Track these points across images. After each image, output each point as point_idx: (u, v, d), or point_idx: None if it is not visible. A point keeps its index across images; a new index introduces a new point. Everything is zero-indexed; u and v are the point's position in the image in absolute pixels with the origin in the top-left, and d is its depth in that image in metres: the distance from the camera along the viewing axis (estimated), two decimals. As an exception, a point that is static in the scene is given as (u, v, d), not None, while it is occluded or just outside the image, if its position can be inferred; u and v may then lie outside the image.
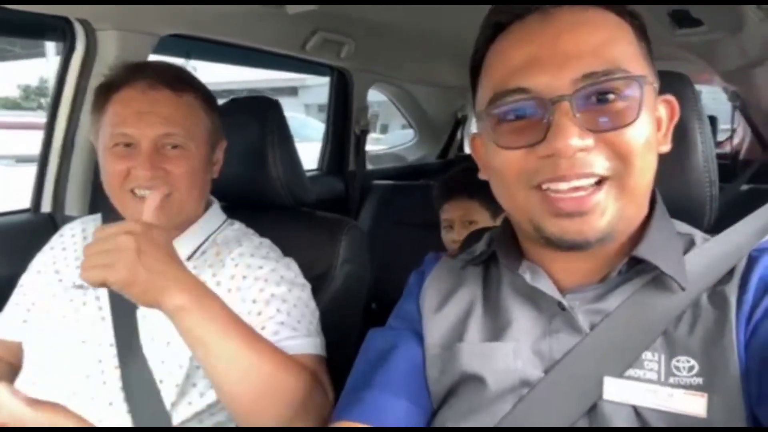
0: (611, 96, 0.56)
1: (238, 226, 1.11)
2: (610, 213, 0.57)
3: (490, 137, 0.61)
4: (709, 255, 0.63)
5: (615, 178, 0.56)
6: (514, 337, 0.64)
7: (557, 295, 0.63)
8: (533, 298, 0.66)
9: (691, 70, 2.31)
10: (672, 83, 0.80)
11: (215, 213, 1.11)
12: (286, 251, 1.09)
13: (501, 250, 0.69)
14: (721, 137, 3.92)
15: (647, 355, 0.59)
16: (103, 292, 1.02)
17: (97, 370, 0.94)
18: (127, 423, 0.90)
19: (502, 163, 0.60)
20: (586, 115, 0.55)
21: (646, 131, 0.57)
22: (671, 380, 0.57)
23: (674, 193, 0.76)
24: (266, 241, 1.07)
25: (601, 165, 0.56)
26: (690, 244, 0.65)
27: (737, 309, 0.58)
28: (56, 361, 0.96)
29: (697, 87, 0.86)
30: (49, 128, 1.35)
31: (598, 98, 0.56)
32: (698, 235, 0.67)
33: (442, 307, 0.72)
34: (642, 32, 0.61)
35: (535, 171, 0.57)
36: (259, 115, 1.18)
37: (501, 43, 0.62)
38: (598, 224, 0.57)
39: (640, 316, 0.60)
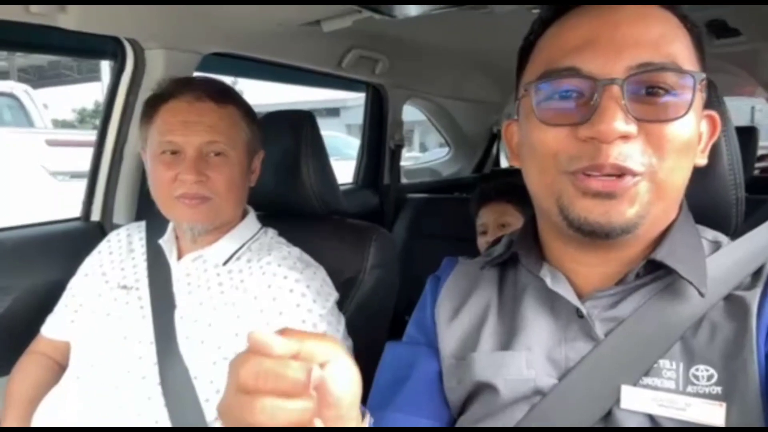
0: (662, 89, 0.55)
1: (271, 234, 1.16)
2: (639, 204, 0.56)
3: (532, 113, 0.59)
4: (731, 258, 0.61)
5: (648, 174, 0.55)
6: (528, 345, 0.63)
7: (576, 302, 0.62)
8: (551, 303, 0.65)
9: (733, 83, 2.27)
10: None
11: (251, 221, 1.16)
12: (318, 258, 1.13)
13: (523, 251, 0.69)
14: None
15: (665, 363, 0.58)
16: (145, 293, 1.07)
17: (137, 366, 0.99)
18: (164, 417, 0.95)
19: (540, 140, 0.58)
20: (633, 103, 0.54)
21: (689, 132, 0.57)
22: (689, 389, 0.56)
23: (699, 198, 0.75)
24: (295, 251, 1.10)
25: (638, 160, 0.55)
26: (716, 251, 0.63)
27: (758, 316, 0.56)
28: (100, 356, 1.01)
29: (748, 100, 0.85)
30: (100, 141, 1.43)
31: (648, 89, 0.55)
32: (725, 241, 0.65)
33: (457, 314, 0.71)
34: (699, 41, 0.61)
35: (572, 156, 0.56)
36: (295, 127, 1.23)
37: (557, 27, 0.61)
38: (626, 211, 0.56)
39: (657, 322, 0.59)
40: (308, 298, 1.00)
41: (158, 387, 0.97)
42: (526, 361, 0.62)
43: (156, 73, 1.37)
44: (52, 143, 4.13)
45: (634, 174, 0.55)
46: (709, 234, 0.67)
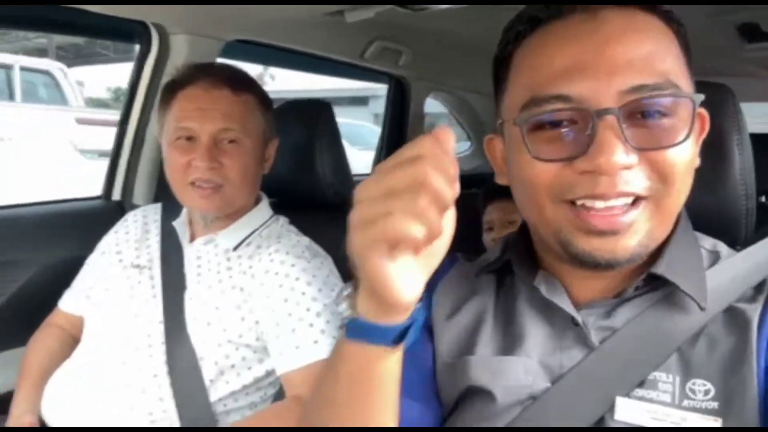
0: (660, 113, 0.53)
1: (282, 222, 1.17)
2: (641, 233, 0.54)
3: (521, 145, 0.56)
4: (732, 271, 0.60)
5: (652, 198, 0.54)
6: (526, 352, 0.62)
7: (572, 311, 0.61)
8: (547, 311, 0.63)
9: (763, 89, 2.20)
10: (713, 94, 0.79)
11: (263, 208, 1.17)
12: (330, 249, 1.14)
13: (516, 259, 0.67)
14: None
15: (662, 376, 0.57)
16: (157, 273, 1.10)
17: (145, 344, 1.02)
18: (168, 395, 0.98)
19: (533, 174, 0.56)
20: (632, 131, 0.51)
21: (691, 152, 0.55)
22: (686, 403, 0.55)
23: (709, 206, 0.74)
24: (304, 240, 1.11)
25: (641, 184, 0.53)
26: (715, 260, 0.62)
27: (758, 331, 0.56)
28: (110, 333, 1.04)
29: None
30: (123, 124, 1.47)
31: (649, 114, 0.52)
32: (724, 250, 0.64)
33: (454, 314, 0.69)
34: (685, 41, 0.58)
35: (570, 185, 0.54)
36: (311, 117, 1.24)
37: (538, 41, 0.57)
38: (629, 244, 0.54)
39: (653, 333, 0.58)
40: (314, 287, 1.01)
41: (164, 365, 0.99)
42: (524, 368, 0.61)
43: (179, 58, 1.39)
44: (81, 122, 4.24)
45: (640, 197, 0.53)
46: (708, 243, 0.65)
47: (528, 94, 0.55)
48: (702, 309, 0.57)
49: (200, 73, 1.08)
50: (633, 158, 0.52)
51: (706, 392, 0.55)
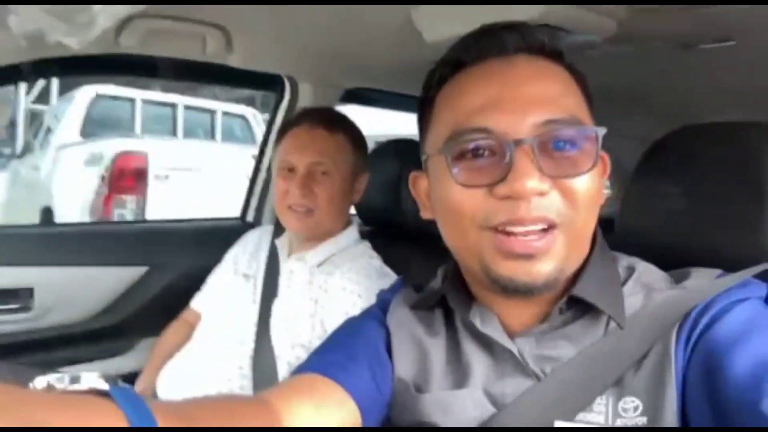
0: (569, 144, 0.58)
1: (363, 246, 1.30)
2: (557, 258, 0.58)
3: (446, 175, 0.60)
4: (670, 300, 0.60)
5: (564, 224, 0.58)
6: (473, 383, 0.64)
7: (506, 342, 0.63)
8: (486, 341, 0.65)
9: None
10: (749, 134, 0.76)
11: (350, 232, 1.32)
12: (406, 272, 1.24)
13: (451, 293, 0.69)
14: None
15: (597, 398, 0.58)
16: (259, 282, 1.30)
17: (238, 340, 1.21)
18: (249, 386, 1.15)
19: (457, 201, 0.60)
20: (544, 161, 0.56)
21: (597, 181, 0.60)
22: (618, 422, 0.57)
23: (745, 243, 0.72)
24: (375, 262, 1.23)
25: (554, 210, 0.57)
26: (629, 272, 0.64)
27: (676, 336, 0.57)
28: (215, 329, 1.26)
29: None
30: (259, 157, 1.75)
31: (556, 145, 0.58)
32: (640, 267, 0.65)
33: (407, 341, 0.71)
34: (586, 89, 0.64)
35: (492, 212, 0.58)
36: (399, 154, 1.38)
37: (459, 82, 0.63)
38: (545, 269, 0.57)
39: (589, 358, 0.59)
40: None
41: (249, 360, 1.17)
42: (473, 401, 0.64)
43: (306, 103, 1.63)
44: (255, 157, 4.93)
45: (553, 225, 0.57)
46: (624, 261, 0.66)
47: (451, 128, 0.61)
48: (621, 327, 0.58)
49: (304, 115, 1.29)
50: (546, 185, 0.56)
51: (635, 408, 0.56)
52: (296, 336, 1.16)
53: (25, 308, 1.49)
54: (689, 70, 1.49)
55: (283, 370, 1.15)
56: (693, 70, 1.48)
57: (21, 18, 1.00)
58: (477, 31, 0.65)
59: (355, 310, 1.11)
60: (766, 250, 0.70)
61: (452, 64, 0.64)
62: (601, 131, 0.59)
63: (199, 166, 4.34)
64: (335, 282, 1.18)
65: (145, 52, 1.33)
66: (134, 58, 1.34)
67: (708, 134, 0.81)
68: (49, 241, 1.62)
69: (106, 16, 0.91)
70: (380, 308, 0.78)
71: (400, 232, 1.40)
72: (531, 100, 0.58)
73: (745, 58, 1.31)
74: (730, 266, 0.65)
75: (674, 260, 0.69)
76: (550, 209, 0.57)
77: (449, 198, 0.61)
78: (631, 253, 0.69)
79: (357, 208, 1.47)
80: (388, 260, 1.27)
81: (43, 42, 1.04)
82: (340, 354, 0.69)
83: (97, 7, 0.90)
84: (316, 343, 1.14)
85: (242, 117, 6.25)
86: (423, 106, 0.68)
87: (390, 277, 1.20)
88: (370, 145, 1.38)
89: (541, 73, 0.61)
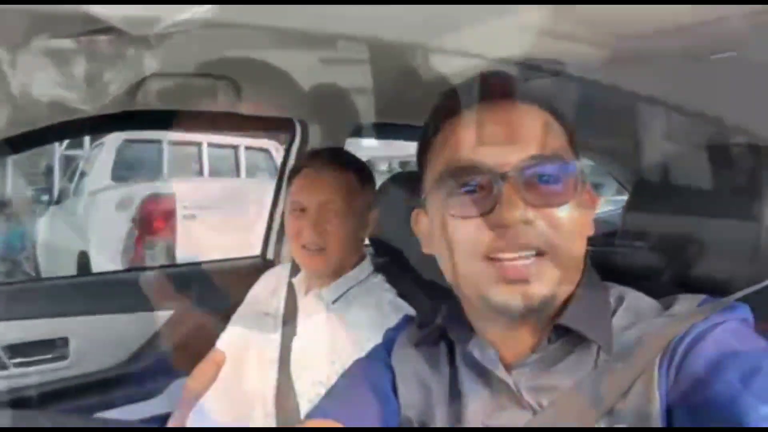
0: (552, 178, 0.63)
1: (377, 279, 1.34)
2: (550, 281, 0.62)
3: (443, 208, 0.66)
4: (655, 329, 0.62)
5: (551, 253, 0.62)
6: (472, 418, 0.67)
7: (502, 374, 0.66)
8: (484, 372, 0.68)
9: None
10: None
11: (364, 266, 1.35)
12: (426, 307, 1.27)
13: (452, 326, 0.73)
14: None
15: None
16: (279, 320, 1.34)
17: (261, 378, 1.25)
18: (272, 418, 1.18)
19: (456, 232, 0.65)
20: (529, 192, 0.62)
21: (581, 212, 0.64)
22: None
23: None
24: (389, 296, 1.26)
25: (541, 238, 0.61)
26: (619, 302, 0.67)
27: (659, 370, 0.59)
28: (239, 365, 1.30)
29: None
30: (276, 196, 1.81)
31: (541, 178, 0.63)
32: (630, 295, 0.67)
33: (411, 379, 0.75)
34: (572, 134, 0.69)
35: (486, 242, 0.62)
36: (412, 185, 1.41)
37: (451, 128, 0.68)
38: (539, 291, 0.61)
39: (586, 391, 0.61)
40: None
41: (272, 399, 1.21)
42: None
43: (316, 142, 1.68)
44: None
45: (541, 252, 0.61)
46: (615, 291, 0.69)
47: (445, 165, 0.67)
48: (608, 354, 0.61)
49: (313, 156, 1.35)
50: (531, 214, 0.61)
51: None
52: (316, 373, 1.19)
53: (62, 357, 1.56)
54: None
55: (304, 408, 1.18)
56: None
57: (37, 86, 1.07)
58: (465, 82, 0.71)
59: (368, 346, 1.14)
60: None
61: (444, 112, 0.70)
62: (582, 165, 0.64)
63: (224, 204, 4.46)
64: (352, 317, 1.21)
65: (160, 107, 1.40)
66: (154, 112, 1.42)
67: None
68: (82, 290, 1.70)
69: (117, 83, 0.97)
70: (385, 348, 0.82)
71: (413, 262, 1.43)
72: (516, 138, 0.64)
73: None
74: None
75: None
76: (538, 237, 0.61)
77: (445, 231, 0.66)
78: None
79: (370, 240, 1.50)
80: (401, 290, 1.31)
81: (65, 107, 1.12)
82: (347, 398, 0.74)
83: (107, 75, 0.96)
84: (335, 378, 1.18)
85: (266, 151, 6.39)
86: (421, 151, 0.75)
87: (402, 311, 1.22)
88: (395, 166, 1.42)
89: (524, 115, 0.67)
